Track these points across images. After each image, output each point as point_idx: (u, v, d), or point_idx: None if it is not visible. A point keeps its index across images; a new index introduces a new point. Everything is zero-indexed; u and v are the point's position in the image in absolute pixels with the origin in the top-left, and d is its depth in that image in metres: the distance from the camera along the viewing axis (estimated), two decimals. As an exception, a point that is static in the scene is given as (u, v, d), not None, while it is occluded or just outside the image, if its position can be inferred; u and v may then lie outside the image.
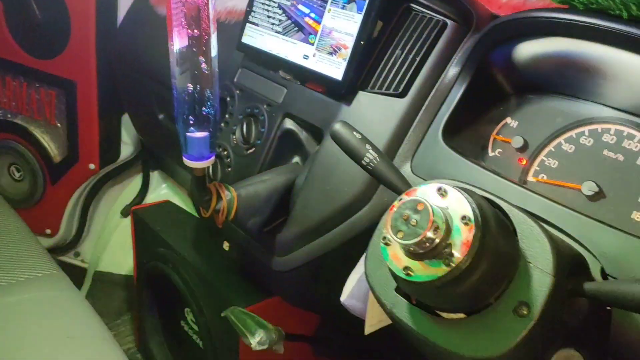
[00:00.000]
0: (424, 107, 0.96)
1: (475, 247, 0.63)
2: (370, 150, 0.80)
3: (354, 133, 0.82)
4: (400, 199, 0.67)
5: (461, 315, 0.69)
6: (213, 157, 0.90)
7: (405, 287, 0.69)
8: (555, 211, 0.80)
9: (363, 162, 0.81)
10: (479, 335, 0.66)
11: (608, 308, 0.71)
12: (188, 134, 0.87)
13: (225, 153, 1.17)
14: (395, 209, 0.65)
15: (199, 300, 1.33)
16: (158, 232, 1.49)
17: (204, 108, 0.86)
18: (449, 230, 0.64)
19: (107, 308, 1.99)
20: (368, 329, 0.92)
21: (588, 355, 0.71)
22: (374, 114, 0.98)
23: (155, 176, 2.06)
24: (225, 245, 1.23)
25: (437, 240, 0.63)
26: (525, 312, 0.64)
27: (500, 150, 0.97)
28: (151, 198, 2.03)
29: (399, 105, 0.96)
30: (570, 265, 0.67)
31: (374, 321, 0.92)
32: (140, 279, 1.60)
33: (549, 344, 0.67)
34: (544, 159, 0.92)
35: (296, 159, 1.12)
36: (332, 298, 0.98)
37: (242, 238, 1.13)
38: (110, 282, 2.04)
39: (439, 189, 0.67)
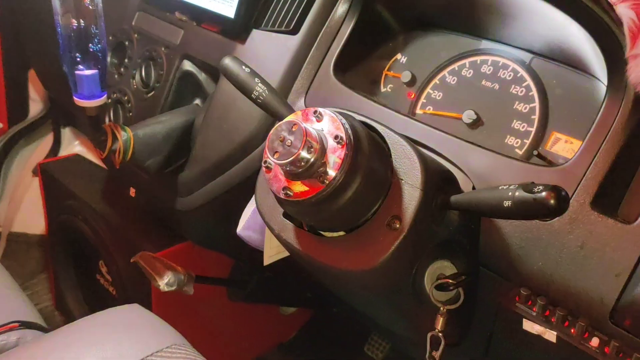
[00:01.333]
0: (315, 44, 0.98)
1: (348, 164, 0.66)
2: (259, 84, 0.82)
3: (243, 67, 0.83)
4: (279, 123, 0.70)
5: (341, 233, 0.73)
6: (105, 96, 0.90)
7: (286, 207, 0.73)
8: (438, 138, 0.84)
9: (253, 95, 0.82)
10: (357, 249, 0.71)
11: (475, 225, 0.77)
12: (77, 72, 0.87)
13: (126, 98, 1.17)
14: (272, 131, 0.68)
15: (109, 249, 1.34)
16: (66, 185, 1.47)
17: (90, 45, 0.85)
18: (323, 150, 0.67)
19: (23, 268, 1.96)
20: (267, 260, 0.96)
21: (460, 265, 0.77)
22: (268, 52, 1.00)
23: (67, 133, 2.01)
24: (132, 192, 1.24)
25: (312, 160, 0.66)
26: (397, 226, 0.69)
27: (392, 85, 1.01)
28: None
29: (292, 42, 0.98)
30: (438, 181, 0.71)
31: (272, 252, 0.96)
32: (52, 234, 1.58)
33: (422, 254, 0.72)
34: (430, 91, 0.97)
35: (197, 100, 1.13)
36: (235, 235, 1.00)
37: (146, 182, 1.13)
38: (25, 242, 2.00)
39: (315, 112, 0.70)
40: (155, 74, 1.12)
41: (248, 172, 1.01)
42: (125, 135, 0.97)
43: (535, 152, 0.80)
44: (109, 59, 1.23)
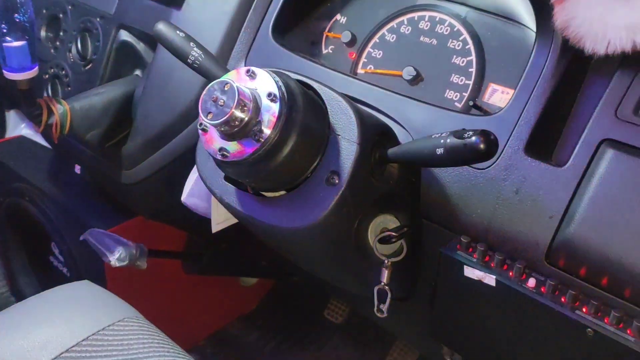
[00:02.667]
0: (252, 7, 0.97)
1: (282, 122, 0.66)
2: (195, 48, 0.80)
3: (178, 32, 0.82)
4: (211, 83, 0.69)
5: (282, 193, 0.73)
6: (36, 68, 0.88)
7: (225, 170, 0.72)
8: (379, 95, 0.85)
9: (189, 60, 0.81)
10: (298, 207, 0.71)
11: (415, 178, 0.78)
12: (4, 44, 0.84)
13: (64, 72, 1.14)
14: (205, 91, 0.67)
15: (59, 229, 1.31)
16: (11, 167, 1.44)
17: (16, 15, 0.82)
18: (257, 109, 0.66)
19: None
20: (215, 227, 0.95)
21: (403, 218, 0.78)
22: (204, 17, 0.98)
23: (11, 116, 1.95)
24: (77, 169, 1.21)
25: (246, 119, 0.66)
26: (336, 181, 0.69)
27: (333, 46, 1.01)
28: (10, 139, 1.93)
29: (228, 6, 0.97)
30: (375, 135, 0.72)
31: (219, 219, 0.95)
32: (0, 219, 1.54)
33: (362, 208, 0.72)
34: (371, 50, 0.97)
35: (137, 71, 1.10)
36: (183, 206, 1.00)
37: (90, 157, 1.11)
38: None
39: (248, 71, 0.69)
40: (92, 45, 1.10)
41: (191, 140, 0.99)
42: (61, 108, 0.94)
43: (471, 103, 0.81)
44: (43, 33, 1.19)
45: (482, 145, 0.58)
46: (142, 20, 1.05)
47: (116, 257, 1.12)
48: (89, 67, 1.10)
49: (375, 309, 0.78)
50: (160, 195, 1.07)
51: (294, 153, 0.68)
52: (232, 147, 0.68)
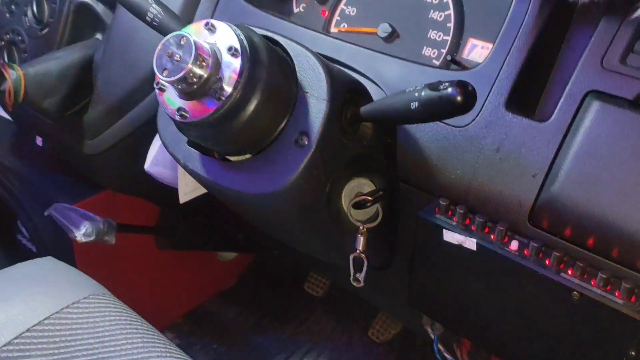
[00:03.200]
0: None
1: (245, 78, 0.61)
2: (154, 5, 0.75)
3: None
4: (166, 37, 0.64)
5: (248, 156, 0.69)
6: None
7: (186, 132, 0.68)
8: (352, 53, 0.80)
9: (147, 18, 0.76)
10: (265, 171, 0.67)
11: (391, 138, 0.74)
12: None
13: (20, 38, 1.08)
14: (159, 46, 0.62)
15: (24, 205, 1.26)
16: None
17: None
18: (217, 64, 0.62)
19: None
20: (183, 198, 0.91)
21: (379, 182, 0.74)
22: None
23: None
24: (39, 141, 1.16)
25: (205, 75, 0.61)
26: (305, 142, 0.64)
27: (304, 4, 0.96)
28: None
29: None
30: (347, 92, 0.67)
31: (187, 189, 0.91)
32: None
33: (334, 171, 0.68)
34: (344, 7, 0.92)
35: (97, 35, 1.04)
36: (150, 176, 0.95)
37: (50, 127, 1.06)
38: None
39: (207, 24, 0.64)
40: (49, 8, 1.04)
41: (157, 106, 0.94)
42: (14, 74, 0.89)
43: (449, 57, 0.76)
44: (-4, -3, 1.13)
45: (459, 98, 0.54)
46: (100, -21, 0.99)
47: (82, 233, 1.07)
48: (45, 31, 1.04)
49: (352, 278, 0.75)
50: (126, 165, 1.02)
51: (258, 113, 0.63)
52: (192, 106, 0.63)
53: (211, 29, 0.64)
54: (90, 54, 0.98)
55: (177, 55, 0.61)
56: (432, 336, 0.86)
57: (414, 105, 0.57)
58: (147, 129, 0.96)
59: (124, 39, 0.94)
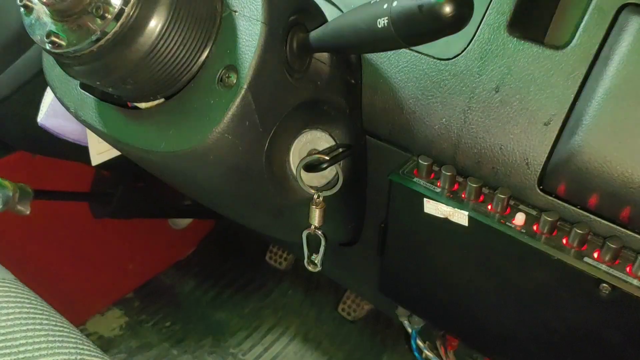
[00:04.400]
0: None
1: None
2: None
3: None
4: None
5: (159, 101, 0.51)
6: None
7: (64, 67, 0.50)
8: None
9: None
10: (180, 122, 0.49)
11: (354, 77, 0.56)
12: None
13: None
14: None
15: None
16: None
17: None
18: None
19: None
20: (95, 159, 0.73)
21: (339, 135, 0.57)
22: None
23: None
24: None
25: None
26: (233, 80, 0.47)
27: None
28: None
29: None
30: (290, 10, 0.50)
31: (101, 148, 0.73)
32: None
33: (276, 121, 0.51)
34: None
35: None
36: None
37: None
38: None
39: None
40: None
41: None
42: None
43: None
44: None
45: (447, 7, 0.37)
46: None
47: (-16, 202, 0.89)
48: None
49: (306, 260, 0.58)
50: (27, 118, 0.83)
51: (164, 39, 0.46)
52: (67, 30, 0.45)
53: None
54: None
55: (39, -47, 0.42)
56: (410, 330, 0.71)
57: (381, 22, 0.40)
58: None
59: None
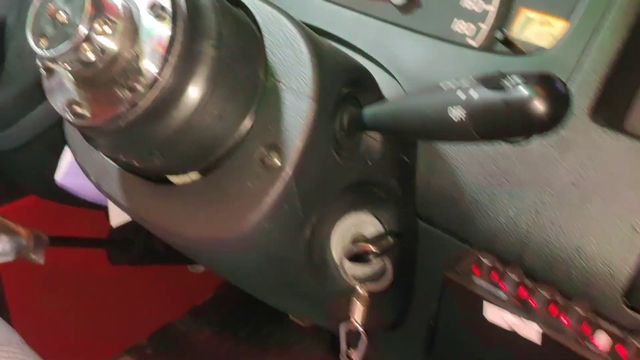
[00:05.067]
0: None
1: (178, 54, 0.39)
2: None
3: None
4: None
5: (194, 176, 0.46)
6: None
7: (87, 139, 0.45)
8: (352, 24, 0.58)
9: None
10: (213, 205, 0.44)
11: (409, 156, 0.51)
12: None
13: None
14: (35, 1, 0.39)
15: None
16: None
17: None
18: (132, 30, 0.39)
19: None
20: (115, 220, 0.68)
21: (388, 220, 0.51)
22: None
23: None
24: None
25: (112, 49, 0.38)
26: (275, 162, 0.42)
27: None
28: None
29: None
30: (343, 84, 0.45)
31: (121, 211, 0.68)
32: None
33: (320, 205, 0.45)
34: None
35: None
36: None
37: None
38: None
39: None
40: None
41: None
42: None
43: (499, 35, 0.53)
44: None
45: (541, 106, 0.31)
46: None
47: (-3, 251, 0.84)
48: None
49: (343, 354, 0.52)
50: (47, 166, 0.79)
51: (201, 112, 0.40)
52: (92, 99, 0.40)
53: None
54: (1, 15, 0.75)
55: (63, 13, 0.37)
56: None
57: (456, 113, 0.34)
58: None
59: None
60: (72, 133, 0.53)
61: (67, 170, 0.64)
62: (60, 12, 0.38)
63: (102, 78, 0.39)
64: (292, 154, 0.41)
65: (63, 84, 0.42)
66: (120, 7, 0.38)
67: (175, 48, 0.38)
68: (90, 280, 1.18)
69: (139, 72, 0.39)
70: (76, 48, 0.37)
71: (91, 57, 0.38)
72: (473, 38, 0.59)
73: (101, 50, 0.38)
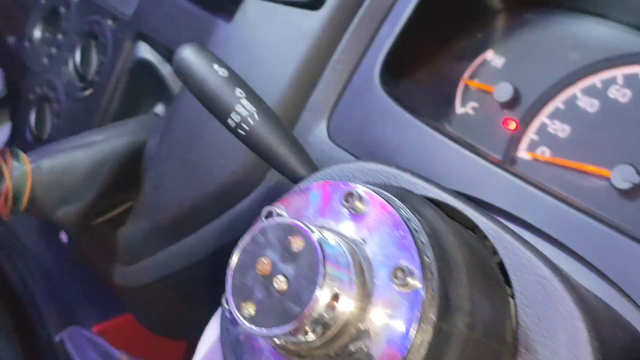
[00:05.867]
0: (352, 27, 0.63)
1: (431, 330, 0.29)
2: (244, 100, 0.47)
3: (216, 66, 0.48)
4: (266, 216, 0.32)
5: None
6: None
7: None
8: (571, 223, 0.48)
9: (231, 121, 0.47)
10: None
11: None
12: None
13: (55, 95, 0.81)
14: (242, 241, 0.30)
15: (39, 306, 0.98)
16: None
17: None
18: (365, 295, 0.29)
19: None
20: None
21: None
22: (268, 36, 0.65)
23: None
24: (63, 236, 0.88)
25: (342, 320, 0.29)
26: None
27: (476, 103, 0.65)
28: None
29: (311, 23, 0.63)
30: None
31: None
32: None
33: None
34: (547, 121, 0.61)
35: (157, 108, 0.76)
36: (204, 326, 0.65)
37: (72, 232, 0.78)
38: None
39: (350, 195, 0.32)
40: (97, 61, 0.77)
41: (228, 237, 0.66)
42: (19, 168, 0.60)
43: None
44: (38, 32, 0.87)
45: None
46: (170, 31, 0.73)
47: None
48: (88, 92, 0.79)
49: None
50: (171, 307, 0.72)
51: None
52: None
53: (356, 207, 0.31)
54: (140, 139, 0.70)
55: (282, 279, 0.28)
56: None
57: None
58: (206, 268, 0.68)
59: (194, 123, 0.66)
60: (227, 335, 0.44)
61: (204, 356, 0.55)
62: (279, 271, 0.28)
63: (318, 353, 0.30)
64: None
65: (259, 345, 0.32)
66: (354, 269, 0.29)
67: (425, 330, 0.28)
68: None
69: (368, 357, 0.29)
70: (297, 330, 0.28)
71: (310, 338, 0.28)
72: None
73: (324, 324, 0.28)
